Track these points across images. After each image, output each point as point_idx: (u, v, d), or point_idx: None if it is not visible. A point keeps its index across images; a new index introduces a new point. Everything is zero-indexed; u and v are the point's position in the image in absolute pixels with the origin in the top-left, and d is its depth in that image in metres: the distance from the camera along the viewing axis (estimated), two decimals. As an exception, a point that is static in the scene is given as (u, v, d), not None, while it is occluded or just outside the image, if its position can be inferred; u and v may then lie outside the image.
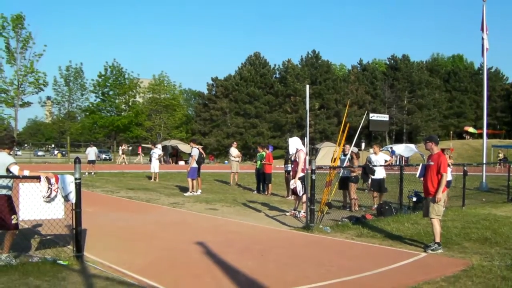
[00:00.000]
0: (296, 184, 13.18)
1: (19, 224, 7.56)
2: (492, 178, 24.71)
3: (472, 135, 76.19)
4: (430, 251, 8.90)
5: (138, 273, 7.01)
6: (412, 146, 47.04)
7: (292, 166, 14.14)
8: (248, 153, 66.49)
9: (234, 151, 25.05)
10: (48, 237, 8.88)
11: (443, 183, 9.13)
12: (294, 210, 13.96)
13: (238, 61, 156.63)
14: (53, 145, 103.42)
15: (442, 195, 9.18)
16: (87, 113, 71.36)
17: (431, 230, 9.56)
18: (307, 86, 13.05)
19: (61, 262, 7.39)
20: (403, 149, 40.81)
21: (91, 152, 30.33)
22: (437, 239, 9.12)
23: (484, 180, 22.61)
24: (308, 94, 12.67)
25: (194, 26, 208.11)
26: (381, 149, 17.40)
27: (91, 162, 30.13)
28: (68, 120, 78.53)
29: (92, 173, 29.23)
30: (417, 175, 9.91)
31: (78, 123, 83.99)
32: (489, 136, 43.44)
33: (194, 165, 19.28)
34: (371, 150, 17.09)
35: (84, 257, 7.78)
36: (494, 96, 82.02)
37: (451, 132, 72.81)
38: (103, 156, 56.42)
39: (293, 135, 50.85)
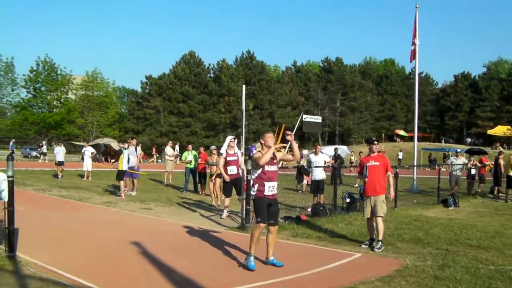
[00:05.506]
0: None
1: None
2: (422, 180, 25.36)
3: (402, 138, 78.59)
4: (377, 250, 9.10)
5: (72, 274, 6.83)
6: (344, 147, 47.85)
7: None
8: (182, 153, 66.09)
9: (169, 150, 24.81)
10: (-23, 237, 8.53)
11: (392, 181, 9.81)
12: (226, 208, 13.86)
13: (173, 59, 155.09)
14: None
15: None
16: (18, 109, 69.31)
17: (366, 230, 9.77)
18: (243, 86, 12.97)
19: (-7, 263, 7.11)
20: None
21: (60, 152, 26.10)
22: (381, 237, 9.39)
23: (415, 182, 23.15)
24: (244, 94, 12.63)
25: (127, 22, 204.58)
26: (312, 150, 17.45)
27: (61, 163, 25.68)
28: (-3, 116, 76.14)
29: (60, 176, 24.93)
30: (363, 175, 10.07)
31: (8, 119, 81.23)
32: (419, 139, 44.76)
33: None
34: (307, 151, 17.17)
35: (17, 257, 7.55)
36: (424, 100, 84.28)
37: (383, 135, 74.74)
38: (33, 153, 54.66)
39: (226, 135, 50.87)
